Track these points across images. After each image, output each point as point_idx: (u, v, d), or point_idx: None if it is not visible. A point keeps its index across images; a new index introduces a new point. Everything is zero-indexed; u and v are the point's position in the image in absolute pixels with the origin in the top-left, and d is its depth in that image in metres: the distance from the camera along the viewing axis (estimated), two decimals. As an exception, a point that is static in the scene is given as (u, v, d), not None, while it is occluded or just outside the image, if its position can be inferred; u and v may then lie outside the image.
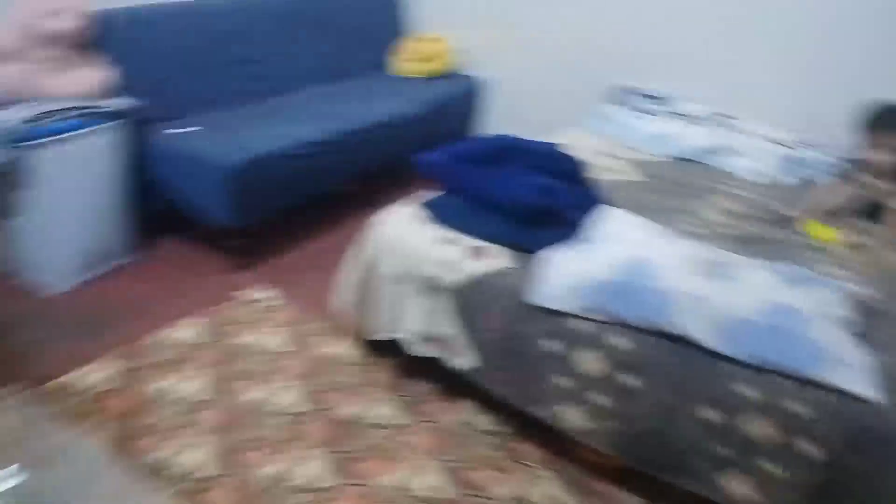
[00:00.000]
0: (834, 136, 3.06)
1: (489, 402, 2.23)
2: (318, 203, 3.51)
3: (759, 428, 1.69)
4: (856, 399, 1.61)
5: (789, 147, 3.03)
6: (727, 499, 1.76)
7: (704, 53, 3.41)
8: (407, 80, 4.09)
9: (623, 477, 2.01)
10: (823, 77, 3.14)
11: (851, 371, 1.63)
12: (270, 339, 2.58)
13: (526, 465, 2.08)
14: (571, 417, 1.97)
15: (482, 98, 4.24)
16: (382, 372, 2.44)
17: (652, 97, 3.45)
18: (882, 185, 2.39)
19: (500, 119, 4.22)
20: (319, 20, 3.92)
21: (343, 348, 2.55)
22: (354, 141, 3.30)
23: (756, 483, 1.72)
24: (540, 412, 2.03)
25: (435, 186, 2.38)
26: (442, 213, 2.23)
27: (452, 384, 2.29)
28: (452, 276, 2.10)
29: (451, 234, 2.20)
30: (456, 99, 4.00)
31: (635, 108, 3.40)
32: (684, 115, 3.34)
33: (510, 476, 2.03)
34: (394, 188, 3.44)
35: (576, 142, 3.11)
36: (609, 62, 3.67)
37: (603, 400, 1.90)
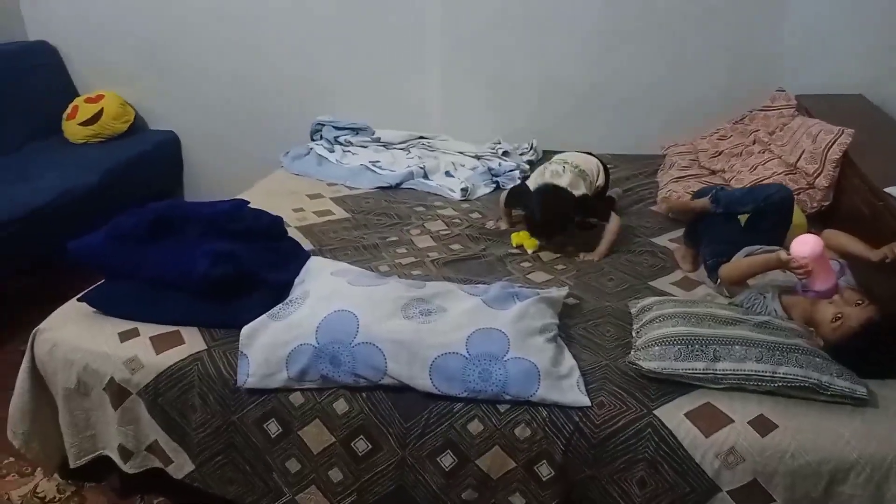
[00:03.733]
0: (518, 143, 3.28)
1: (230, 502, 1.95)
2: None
3: (492, 461, 1.64)
4: (571, 409, 1.63)
5: (485, 159, 3.15)
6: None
7: (394, 79, 3.43)
8: (82, 145, 3.58)
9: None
10: (505, 90, 3.33)
11: (563, 382, 1.65)
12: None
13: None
14: (308, 503, 1.78)
15: (175, 156, 3.86)
16: (93, 501, 2.04)
17: (349, 129, 3.39)
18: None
19: (199, 176, 3.89)
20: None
21: (34, 487, 2.08)
22: (10, 232, 2.76)
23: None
24: (277, 504, 1.81)
25: (96, 274, 2.03)
26: (112, 304, 1.91)
27: (185, 492, 1.96)
28: (139, 376, 1.79)
29: (130, 325, 1.88)
30: (142, 160, 3.56)
31: (334, 142, 3.31)
32: (382, 142, 3.32)
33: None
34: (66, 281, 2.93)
35: (278, 186, 2.94)
36: (303, 99, 3.55)
37: (335, 475, 1.74)
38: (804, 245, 1.76)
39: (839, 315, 1.71)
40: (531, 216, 2.34)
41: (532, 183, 2.48)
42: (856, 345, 1.67)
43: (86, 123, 3.60)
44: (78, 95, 3.77)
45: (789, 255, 1.78)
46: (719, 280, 2.05)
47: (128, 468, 1.91)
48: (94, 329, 1.89)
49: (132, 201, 2.35)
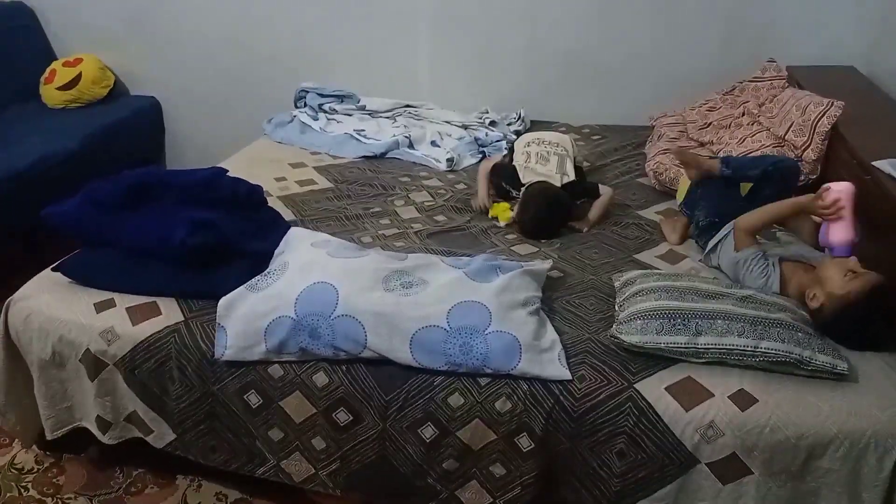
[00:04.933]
0: (506, 113, 3.23)
1: (210, 471, 1.94)
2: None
3: (473, 434, 1.64)
4: (552, 382, 1.62)
5: (472, 128, 3.11)
6: (463, 509, 1.70)
7: (381, 46, 3.36)
8: (60, 110, 3.50)
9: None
10: (494, 58, 3.27)
11: (544, 356, 1.64)
12: None
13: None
14: (292, 469, 1.78)
15: (156, 122, 3.77)
16: (72, 473, 2.02)
17: (334, 96, 3.32)
18: None
19: (181, 143, 3.80)
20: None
21: (12, 458, 2.06)
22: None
23: (485, 487, 1.68)
24: (258, 471, 1.81)
25: (75, 243, 1.99)
26: (88, 273, 1.87)
27: (168, 459, 1.95)
28: (115, 347, 1.77)
29: (106, 295, 1.85)
30: (123, 126, 3.48)
31: (318, 110, 3.25)
32: (368, 111, 3.27)
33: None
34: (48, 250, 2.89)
35: (260, 155, 2.89)
36: (288, 65, 3.47)
37: (319, 443, 1.73)
38: (837, 184, 1.75)
39: (854, 270, 1.69)
40: (525, 222, 2.29)
41: (520, 169, 2.42)
42: (856, 312, 1.66)
43: (64, 88, 3.51)
44: (56, 59, 3.66)
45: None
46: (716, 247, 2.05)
47: (106, 439, 1.90)
48: (70, 299, 1.85)
49: (113, 168, 2.26)
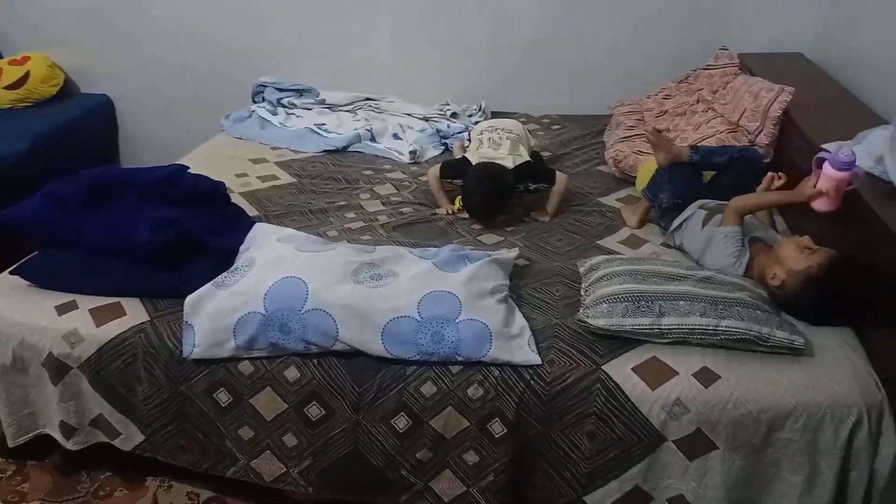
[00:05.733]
0: (467, 105, 3.25)
1: (181, 471, 1.92)
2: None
3: (446, 422, 1.66)
4: (522, 367, 1.65)
5: (434, 120, 3.12)
6: (438, 500, 1.72)
7: (341, 39, 3.34)
8: (8, 111, 3.39)
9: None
10: (454, 50, 3.28)
11: (514, 342, 1.66)
12: None
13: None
14: (263, 469, 1.77)
15: (109, 121, 3.69)
16: (36, 479, 1.97)
17: (293, 90, 3.29)
18: None
19: (135, 141, 3.73)
20: None
21: (-29, 467, 2.01)
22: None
23: (458, 476, 1.70)
24: (229, 472, 1.80)
25: (31, 245, 1.94)
26: (48, 275, 1.83)
27: (135, 462, 1.93)
28: (79, 349, 1.74)
29: (68, 297, 1.81)
30: (74, 126, 3.39)
31: (277, 105, 3.22)
32: (328, 104, 3.25)
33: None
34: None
35: (219, 151, 2.86)
36: (245, 60, 3.42)
37: (290, 440, 1.73)
38: (826, 181, 1.73)
39: (809, 247, 1.75)
40: (468, 198, 2.30)
41: (472, 156, 2.44)
42: (817, 285, 1.72)
43: (11, 87, 3.41)
44: (1, 57, 3.56)
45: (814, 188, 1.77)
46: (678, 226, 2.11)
47: (70, 445, 1.86)
48: (30, 302, 1.81)
49: (65, 169, 2.21)
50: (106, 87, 3.65)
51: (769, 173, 2.10)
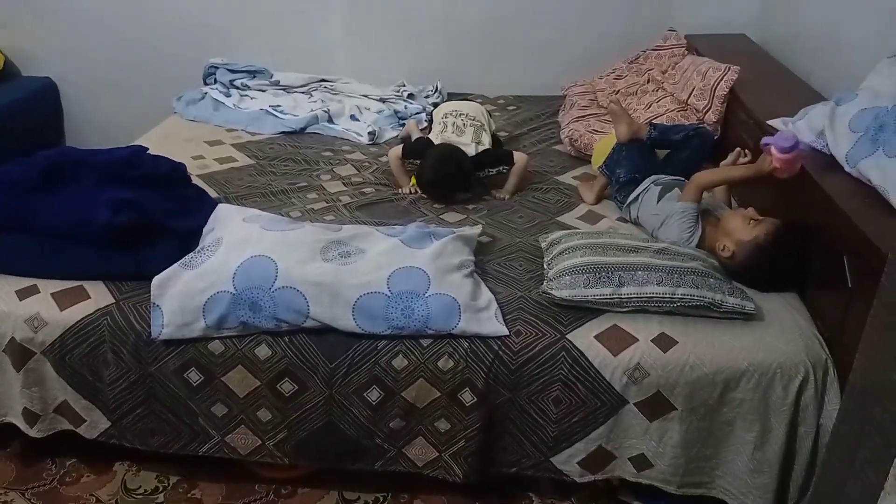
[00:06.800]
0: (423, 86, 3.27)
1: (149, 453, 1.90)
2: None
3: (417, 393, 1.70)
4: (490, 339, 1.70)
5: (390, 101, 3.13)
6: (412, 465, 1.77)
7: (293, 18, 3.31)
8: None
9: (313, 481, 1.90)
10: (409, 30, 3.29)
11: (482, 314, 1.71)
12: None
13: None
14: (238, 443, 1.78)
15: (53, 104, 3.57)
16: (1, 468, 1.94)
17: (245, 72, 3.25)
18: None
19: (82, 125, 3.62)
20: None
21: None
22: None
23: (431, 443, 1.75)
24: (202, 449, 1.80)
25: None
26: (4, 260, 1.80)
27: (101, 448, 1.90)
28: (41, 335, 1.71)
29: (27, 282, 1.78)
30: (16, 109, 3.27)
31: (229, 86, 3.18)
32: (282, 86, 3.22)
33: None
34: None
35: (173, 133, 2.81)
36: (194, 40, 3.37)
37: (264, 414, 1.74)
38: (778, 149, 1.81)
39: (754, 218, 1.85)
40: (423, 177, 2.34)
41: (435, 139, 2.46)
42: (764, 254, 1.81)
43: (-53, 69, 3.27)
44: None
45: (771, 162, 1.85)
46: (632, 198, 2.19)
47: (34, 432, 1.83)
48: (-12, 288, 1.77)
49: (9, 153, 2.17)
50: (48, 69, 3.54)
51: (736, 149, 2.16)
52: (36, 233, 1.81)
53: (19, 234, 1.83)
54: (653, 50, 3.06)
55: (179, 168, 2.08)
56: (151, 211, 1.86)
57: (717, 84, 2.50)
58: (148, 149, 2.06)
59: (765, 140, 1.87)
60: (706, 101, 2.52)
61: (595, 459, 1.73)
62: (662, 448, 1.70)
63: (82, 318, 1.72)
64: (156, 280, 1.72)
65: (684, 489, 1.75)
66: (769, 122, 2.11)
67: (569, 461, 1.74)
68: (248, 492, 1.88)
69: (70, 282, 1.79)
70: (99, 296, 1.77)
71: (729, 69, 2.51)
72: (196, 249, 1.81)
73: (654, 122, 2.46)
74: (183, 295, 1.69)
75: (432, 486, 1.85)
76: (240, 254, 1.74)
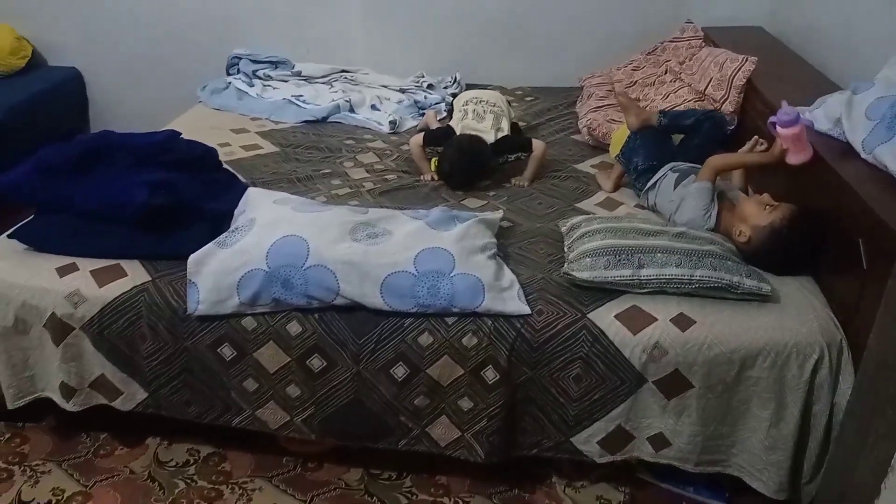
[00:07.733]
0: (441, 77, 3.32)
1: (180, 427, 1.98)
2: None
3: (442, 370, 1.75)
4: (513, 317, 1.75)
5: (410, 92, 3.19)
6: (435, 445, 1.82)
7: (315, 11, 3.37)
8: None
9: (339, 456, 1.95)
10: (428, 22, 3.35)
11: (506, 294, 1.76)
12: None
13: (237, 484, 1.89)
14: (267, 417, 1.84)
15: (79, 94, 3.65)
16: (36, 441, 2.01)
17: (267, 62, 3.32)
18: None
19: (107, 115, 3.69)
20: None
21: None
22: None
23: (454, 422, 1.80)
24: (234, 421, 1.86)
25: (27, 210, 1.97)
26: (45, 239, 1.86)
27: (133, 423, 1.98)
28: (81, 310, 1.78)
29: (67, 260, 1.85)
30: (43, 99, 3.36)
31: (254, 76, 3.24)
32: (304, 76, 3.28)
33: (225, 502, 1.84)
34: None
35: (199, 121, 2.88)
36: (218, 31, 3.44)
37: (293, 390, 1.81)
38: (784, 127, 1.87)
39: (770, 204, 1.90)
40: (444, 166, 2.38)
41: (456, 126, 2.51)
42: (780, 239, 1.85)
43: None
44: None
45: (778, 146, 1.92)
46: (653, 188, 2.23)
47: (70, 406, 1.90)
48: (30, 264, 1.84)
49: (38, 141, 2.24)
50: (74, 59, 3.62)
51: (754, 137, 2.22)
52: (75, 213, 1.88)
53: (59, 214, 1.90)
54: (670, 41, 3.10)
55: (211, 153, 2.15)
56: (185, 193, 1.93)
57: (735, 74, 2.54)
58: (181, 133, 2.13)
59: (770, 119, 1.93)
60: (724, 92, 2.56)
61: (614, 439, 1.78)
62: (680, 426, 1.75)
63: (120, 295, 1.79)
64: (192, 258, 1.78)
65: (701, 467, 1.80)
66: (773, 100, 2.15)
67: (589, 441, 1.79)
68: (276, 465, 1.95)
69: (108, 260, 1.86)
70: (136, 273, 1.83)
71: (746, 60, 2.55)
72: (230, 229, 1.87)
73: (663, 109, 2.50)
74: (218, 272, 1.75)
75: (454, 466, 1.90)
76: (273, 233, 1.80)
